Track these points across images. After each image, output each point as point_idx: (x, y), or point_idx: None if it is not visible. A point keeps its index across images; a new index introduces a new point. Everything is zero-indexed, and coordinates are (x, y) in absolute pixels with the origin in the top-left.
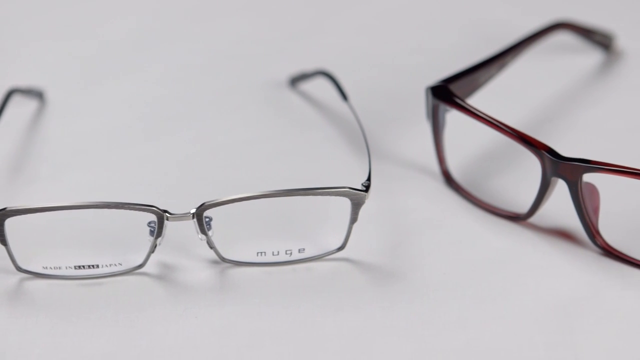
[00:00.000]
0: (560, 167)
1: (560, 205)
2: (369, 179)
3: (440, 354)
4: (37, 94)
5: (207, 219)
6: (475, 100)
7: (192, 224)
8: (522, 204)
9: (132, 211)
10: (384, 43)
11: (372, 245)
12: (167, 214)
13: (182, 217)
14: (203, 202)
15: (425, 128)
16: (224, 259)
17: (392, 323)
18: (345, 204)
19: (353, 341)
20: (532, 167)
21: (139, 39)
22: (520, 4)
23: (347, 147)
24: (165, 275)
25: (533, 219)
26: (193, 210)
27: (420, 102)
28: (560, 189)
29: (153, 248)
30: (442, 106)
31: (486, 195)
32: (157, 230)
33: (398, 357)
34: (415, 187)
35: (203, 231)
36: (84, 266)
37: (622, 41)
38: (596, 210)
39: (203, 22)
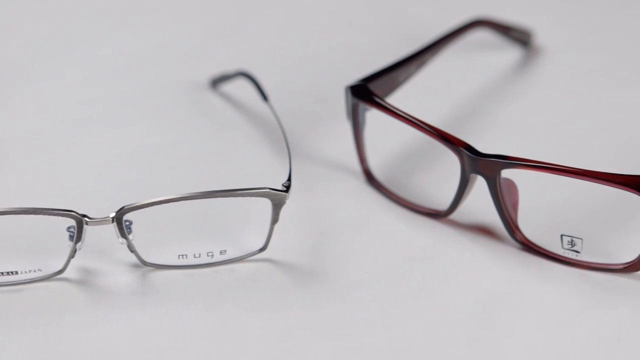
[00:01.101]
0: (479, 163)
1: (480, 201)
2: (289, 179)
3: (362, 352)
4: None
5: (127, 223)
6: (395, 99)
7: (112, 228)
8: (443, 201)
9: (51, 216)
10: (303, 43)
11: (293, 245)
12: (86, 218)
13: (102, 221)
14: (122, 205)
15: (346, 127)
16: (145, 263)
17: (314, 323)
18: (266, 204)
19: (275, 341)
20: (452, 164)
21: (56, 43)
22: (438, 2)
23: (268, 148)
24: (85, 280)
25: (454, 216)
26: (112, 214)
27: (340, 102)
28: (480, 185)
29: (73, 253)
30: (362, 105)
31: (407, 193)
32: (76, 235)
33: (320, 356)
34: (337, 186)
35: (123, 235)
36: (2, 273)
37: (540, 37)
38: (515, 205)
39: (121, 24)
